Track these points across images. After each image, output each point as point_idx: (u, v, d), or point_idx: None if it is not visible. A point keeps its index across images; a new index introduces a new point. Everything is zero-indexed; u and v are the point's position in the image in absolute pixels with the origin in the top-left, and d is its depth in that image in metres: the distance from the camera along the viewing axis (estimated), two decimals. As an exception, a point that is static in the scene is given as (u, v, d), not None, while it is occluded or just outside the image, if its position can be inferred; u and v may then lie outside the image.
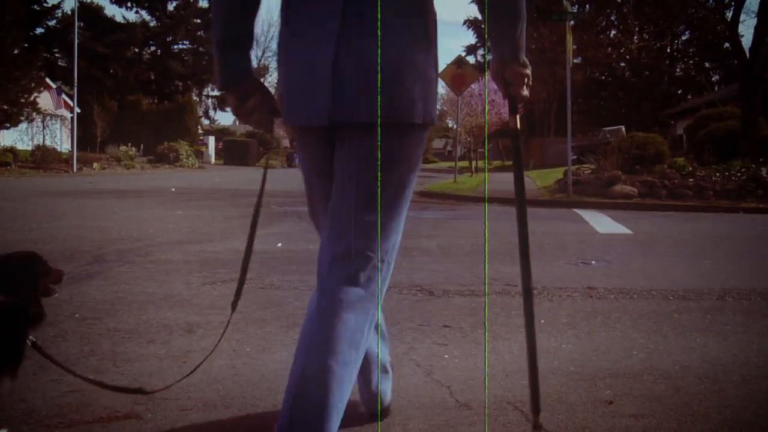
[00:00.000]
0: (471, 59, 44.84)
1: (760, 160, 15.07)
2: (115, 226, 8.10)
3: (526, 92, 2.21)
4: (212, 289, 4.60)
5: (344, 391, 1.85)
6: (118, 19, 48.69)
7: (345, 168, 2.00)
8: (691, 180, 13.52)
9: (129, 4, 48.68)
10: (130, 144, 33.10)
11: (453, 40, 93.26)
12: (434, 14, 2.06)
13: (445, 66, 19.32)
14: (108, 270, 5.24)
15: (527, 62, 2.18)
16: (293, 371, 1.86)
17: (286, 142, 41.48)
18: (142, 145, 36.07)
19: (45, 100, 31.22)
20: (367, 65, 1.92)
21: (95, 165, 27.50)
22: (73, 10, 30.61)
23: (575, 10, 17.23)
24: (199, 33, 50.84)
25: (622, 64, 45.05)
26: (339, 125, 1.97)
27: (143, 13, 49.47)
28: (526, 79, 2.19)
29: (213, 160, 44.14)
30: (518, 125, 2.34)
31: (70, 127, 31.31)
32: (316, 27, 1.97)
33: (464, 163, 31.94)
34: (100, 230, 7.63)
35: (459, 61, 19.90)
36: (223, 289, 4.59)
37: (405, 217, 2.08)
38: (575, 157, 26.61)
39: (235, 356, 3.12)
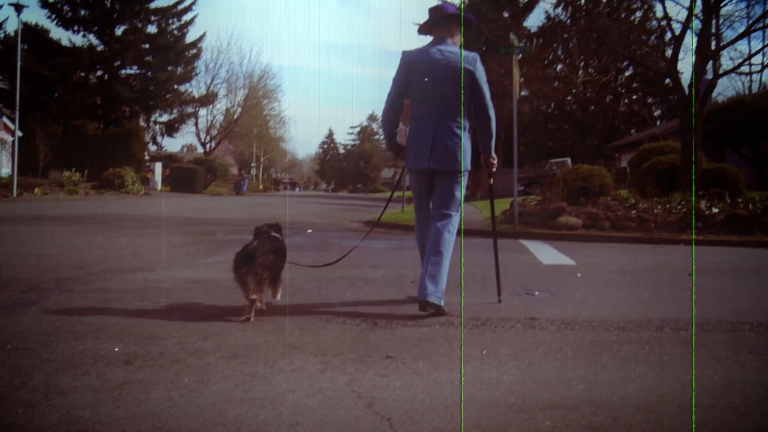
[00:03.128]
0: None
1: (700, 193, 15.48)
2: (54, 253, 7.91)
3: (494, 169, 5.36)
4: (153, 319, 4.51)
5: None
6: (65, 42, 47.96)
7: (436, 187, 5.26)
8: (633, 212, 13.78)
9: (76, 28, 48.04)
10: (74, 169, 32.51)
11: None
12: (470, 122, 5.22)
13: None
14: (45, 299, 5.10)
15: (495, 156, 5.36)
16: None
17: (234, 170, 41.17)
18: (86, 171, 35.41)
19: (-15, 123, 30.52)
20: (447, 145, 5.06)
21: (36, 190, 26.91)
22: (16, 32, 30.08)
23: (522, 45, 17.52)
24: (147, 58, 50.34)
25: (569, 98, 46.00)
26: (432, 170, 5.17)
27: (90, 36, 48.82)
28: (494, 163, 5.37)
29: (159, 186, 43.56)
30: (491, 182, 5.74)
31: (10, 150, 30.55)
32: (426, 122, 5.14)
33: (411, 194, 32.02)
34: (38, 258, 7.44)
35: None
36: (164, 319, 4.50)
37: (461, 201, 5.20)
38: (522, 188, 27.07)
39: (173, 388, 3.06)
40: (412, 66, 5.22)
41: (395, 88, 5.31)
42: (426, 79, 5.15)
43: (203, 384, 3.13)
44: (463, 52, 5.12)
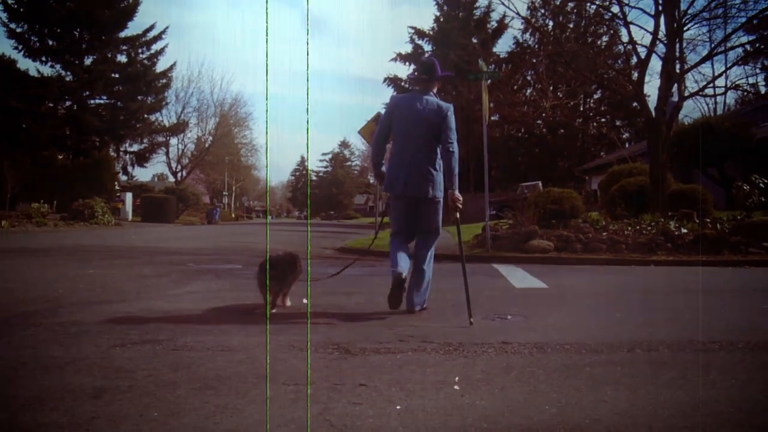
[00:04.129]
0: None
1: (669, 214, 15.67)
2: (21, 286, 7.79)
3: (459, 205, 6.11)
4: (122, 352, 4.45)
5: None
6: (33, 73, 47.47)
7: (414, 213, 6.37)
8: (604, 234, 13.90)
9: (44, 58, 47.61)
10: (42, 201, 32.11)
11: (373, 97, 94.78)
12: (439, 154, 6.17)
13: (365, 123, 19.65)
14: (11, 334, 5.02)
15: (459, 194, 6.12)
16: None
17: (206, 199, 40.89)
18: (55, 202, 34.98)
19: (-50, 155, 30.09)
20: (417, 175, 6.10)
21: (4, 223, 26.51)
22: (-17, 64, 29.82)
23: (491, 70, 17.73)
24: (117, 88, 50.00)
25: (539, 122, 46.47)
26: (410, 196, 6.20)
27: (59, 67, 48.37)
28: (458, 199, 6.08)
29: (130, 216, 43.13)
30: (458, 216, 6.34)
31: (-22, 183, 30.15)
32: (404, 155, 6.16)
33: (386, 219, 32.05)
34: (5, 291, 7.32)
35: (377, 119, 20.21)
36: (134, 352, 4.44)
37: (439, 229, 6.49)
38: (494, 212, 27.21)
39: (143, 421, 3.01)
40: (395, 109, 6.34)
41: (381, 126, 6.40)
42: (405, 121, 6.22)
43: (173, 417, 3.09)
44: (441, 102, 6.25)
